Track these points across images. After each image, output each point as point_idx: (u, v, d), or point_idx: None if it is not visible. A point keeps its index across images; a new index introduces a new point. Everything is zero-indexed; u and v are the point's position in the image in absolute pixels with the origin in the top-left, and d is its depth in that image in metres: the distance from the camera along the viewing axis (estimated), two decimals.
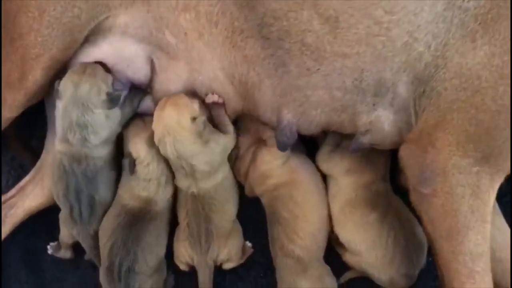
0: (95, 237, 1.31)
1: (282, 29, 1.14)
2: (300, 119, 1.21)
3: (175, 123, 1.22)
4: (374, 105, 1.16)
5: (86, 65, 1.26)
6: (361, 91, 1.14)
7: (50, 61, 1.22)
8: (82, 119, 1.24)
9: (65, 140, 1.26)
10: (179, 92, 1.28)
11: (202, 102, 1.27)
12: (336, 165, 1.31)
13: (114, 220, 1.28)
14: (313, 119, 1.20)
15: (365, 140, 1.19)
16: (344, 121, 1.19)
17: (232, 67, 1.22)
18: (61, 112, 1.26)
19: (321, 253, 1.29)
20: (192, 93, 1.28)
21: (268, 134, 1.31)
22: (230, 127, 1.31)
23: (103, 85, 1.25)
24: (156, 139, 1.25)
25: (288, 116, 1.22)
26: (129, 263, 1.24)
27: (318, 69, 1.15)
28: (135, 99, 1.31)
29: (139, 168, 1.28)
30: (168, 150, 1.24)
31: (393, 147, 1.21)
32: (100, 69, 1.26)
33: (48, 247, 1.41)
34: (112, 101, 1.25)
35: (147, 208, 1.29)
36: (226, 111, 1.29)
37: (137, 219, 1.27)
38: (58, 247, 1.40)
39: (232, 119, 1.32)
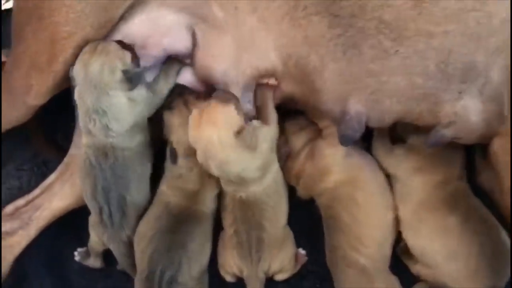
0: (129, 244, 1.15)
1: (355, 4, 0.98)
2: (371, 109, 1.05)
3: (217, 145, 1.04)
4: (460, 93, 1.00)
5: (97, 43, 1.09)
6: (446, 76, 0.99)
7: (82, 41, 1.07)
8: (98, 104, 1.07)
9: (87, 131, 1.11)
10: (222, 71, 1.11)
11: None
12: (401, 163, 1.16)
13: (155, 224, 1.12)
14: (387, 110, 1.05)
15: (447, 133, 1.03)
16: (423, 111, 1.04)
17: (290, 48, 1.07)
18: (77, 99, 1.10)
19: (387, 263, 1.14)
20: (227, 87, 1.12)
21: (326, 123, 1.15)
22: (274, 115, 1.13)
23: (118, 62, 1.07)
24: (198, 159, 1.08)
25: (356, 106, 1.06)
26: (172, 273, 1.08)
27: (397, 50, 0.99)
28: (171, 71, 1.14)
29: (181, 160, 1.13)
30: (216, 172, 1.08)
31: (478, 142, 1.06)
32: (114, 45, 1.09)
33: (76, 253, 1.25)
34: (131, 80, 1.07)
35: (193, 207, 1.14)
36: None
37: (181, 222, 1.12)
38: (87, 254, 1.24)
39: (276, 104, 1.15)
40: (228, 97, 1.09)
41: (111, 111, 1.08)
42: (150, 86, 1.12)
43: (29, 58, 1.08)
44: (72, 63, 1.09)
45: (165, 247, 1.09)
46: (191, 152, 1.12)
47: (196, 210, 1.14)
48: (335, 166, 1.15)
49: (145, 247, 1.11)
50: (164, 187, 1.16)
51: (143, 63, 1.13)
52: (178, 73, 1.15)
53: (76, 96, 1.10)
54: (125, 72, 1.07)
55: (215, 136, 1.04)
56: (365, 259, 1.10)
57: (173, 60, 1.14)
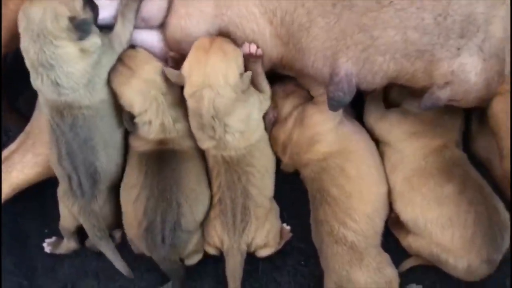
0: (101, 216, 1.06)
1: None
2: (362, 68, 0.97)
3: (221, 77, 0.99)
4: (458, 49, 0.93)
5: None
6: (444, 31, 0.92)
7: None
8: (43, 56, 0.95)
9: (38, 88, 0.99)
10: (200, 32, 1.04)
11: None
12: (393, 128, 1.09)
13: (139, 171, 1.03)
14: (379, 68, 0.97)
15: (443, 95, 0.96)
16: (418, 70, 0.96)
17: (274, 1, 0.99)
18: (23, 52, 0.98)
19: (379, 239, 1.07)
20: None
21: (319, 91, 1.08)
22: (267, 85, 1.09)
23: (63, 8, 0.96)
24: (190, 89, 1.01)
25: (346, 65, 0.98)
26: (174, 217, 1.00)
27: (391, 2, 0.92)
28: (128, 13, 1.01)
29: (137, 118, 1.04)
30: (205, 106, 1.00)
31: (476, 105, 0.99)
32: None
33: (45, 244, 1.15)
34: (80, 28, 0.96)
35: (169, 147, 1.05)
36: (263, 65, 1.06)
37: (163, 161, 1.03)
38: (57, 242, 1.14)
39: (266, 69, 1.08)
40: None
41: (59, 63, 0.96)
42: (107, 36, 1.00)
43: None
44: None
45: (159, 190, 1.01)
46: (146, 107, 1.03)
47: (174, 150, 1.05)
48: (325, 136, 1.07)
49: (137, 196, 1.02)
50: (131, 140, 1.08)
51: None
52: (136, 14, 1.03)
53: (21, 48, 0.97)
54: (72, 19, 0.95)
55: (223, 67, 0.99)
56: (354, 234, 1.03)
57: (128, 0, 1.01)
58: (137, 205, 1.02)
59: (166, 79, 1.04)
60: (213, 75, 0.99)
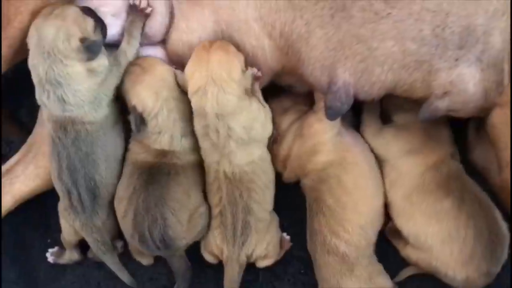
0: (103, 229, 1.06)
1: None
2: (360, 78, 0.97)
3: (224, 72, 0.99)
4: (456, 60, 0.92)
5: (56, 6, 0.98)
6: (442, 42, 0.91)
7: (42, 3, 0.97)
8: (51, 74, 0.96)
9: (43, 104, 1.00)
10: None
11: None
12: (390, 145, 1.09)
13: (128, 184, 1.03)
14: (377, 79, 0.97)
15: (442, 105, 0.96)
16: (416, 81, 0.96)
17: (273, 14, 0.99)
18: (30, 67, 0.98)
19: (371, 250, 1.07)
20: None
21: (319, 96, 1.07)
22: (265, 104, 1.08)
23: (75, 28, 0.96)
24: (194, 87, 1.00)
25: (344, 76, 0.98)
26: (161, 231, 1.00)
27: (389, 13, 0.91)
28: (135, 31, 1.02)
29: (148, 125, 1.03)
30: (209, 103, 0.99)
31: (474, 115, 0.98)
32: (74, 9, 0.98)
33: (48, 254, 1.16)
34: (89, 50, 0.96)
35: (162, 161, 1.04)
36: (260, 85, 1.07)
37: (153, 177, 1.02)
38: (60, 252, 1.15)
39: (267, 81, 1.08)
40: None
41: (67, 82, 0.97)
42: (112, 54, 1.01)
43: None
44: None
45: (144, 207, 1.00)
46: (158, 109, 1.02)
47: (167, 163, 1.04)
48: (325, 145, 1.07)
49: (125, 211, 1.02)
50: (131, 145, 1.07)
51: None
52: (142, 31, 1.03)
53: (29, 64, 0.98)
54: (83, 40, 0.96)
55: (225, 62, 0.99)
56: (345, 245, 1.03)
57: (134, 18, 1.02)
58: (126, 220, 1.02)
59: (178, 86, 1.04)
60: (216, 71, 0.99)
